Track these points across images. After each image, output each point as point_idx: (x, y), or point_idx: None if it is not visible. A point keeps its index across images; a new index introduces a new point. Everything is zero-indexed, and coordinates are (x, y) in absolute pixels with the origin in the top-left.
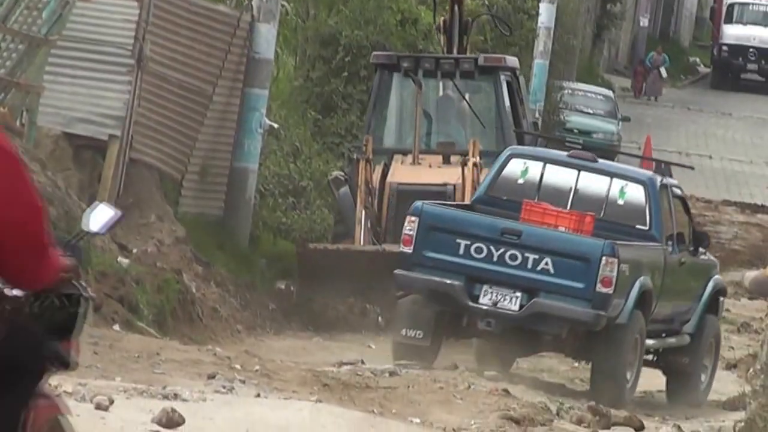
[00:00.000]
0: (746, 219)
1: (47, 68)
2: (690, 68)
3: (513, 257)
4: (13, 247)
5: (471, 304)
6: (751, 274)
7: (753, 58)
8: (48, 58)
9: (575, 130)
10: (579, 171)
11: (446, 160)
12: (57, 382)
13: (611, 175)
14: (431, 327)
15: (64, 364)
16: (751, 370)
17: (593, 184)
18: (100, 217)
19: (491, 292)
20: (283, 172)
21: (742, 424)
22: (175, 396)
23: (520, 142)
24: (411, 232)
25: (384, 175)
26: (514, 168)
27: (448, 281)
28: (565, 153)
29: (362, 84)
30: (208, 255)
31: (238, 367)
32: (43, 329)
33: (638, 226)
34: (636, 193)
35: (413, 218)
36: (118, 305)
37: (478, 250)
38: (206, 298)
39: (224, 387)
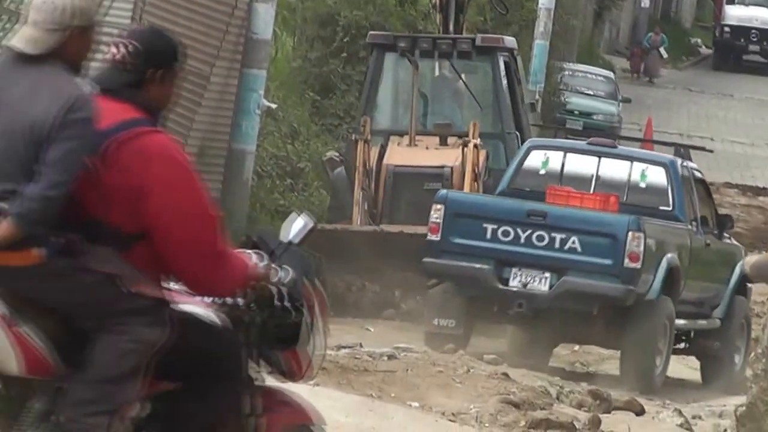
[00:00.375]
0: (748, 201)
1: None
2: (691, 49)
3: (540, 238)
4: (188, 257)
5: (501, 287)
6: (751, 259)
7: (755, 39)
8: None
9: (576, 112)
10: (599, 158)
11: (443, 142)
12: None
13: (632, 159)
14: (463, 315)
15: (282, 373)
16: (752, 354)
17: (614, 169)
18: (296, 227)
19: (520, 274)
20: (281, 154)
21: (744, 408)
22: None
23: (518, 124)
24: (437, 220)
25: (381, 156)
26: (535, 159)
27: (478, 266)
28: (585, 141)
29: (361, 65)
30: None
31: None
32: (261, 337)
33: (661, 207)
34: (657, 176)
35: (438, 206)
36: None
37: (505, 234)
38: None
39: None
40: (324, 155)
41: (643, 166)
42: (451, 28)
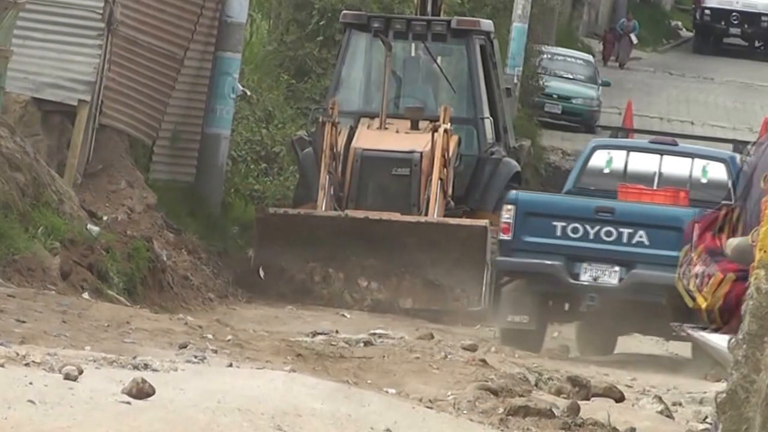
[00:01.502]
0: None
1: (15, 32)
2: (672, 32)
3: (608, 234)
4: None
5: (573, 281)
6: (733, 241)
7: (735, 22)
8: (16, 21)
9: (554, 95)
10: (661, 155)
11: (414, 126)
12: (25, 352)
13: (693, 156)
14: (536, 311)
15: None
16: (732, 340)
17: (676, 166)
18: None
19: (590, 269)
20: (256, 138)
21: (724, 394)
22: (146, 366)
23: (492, 109)
24: (509, 220)
25: (350, 138)
26: (599, 159)
27: (549, 262)
28: (647, 140)
29: (337, 48)
30: (180, 222)
31: (209, 336)
32: None
33: (724, 202)
34: (719, 171)
35: (509, 206)
36: (87, 273)
37: (575, 231)
38: (177, 266)
39: (196, 357)
40: (294, 135)
41: (704, 162)
42: (429, 8)
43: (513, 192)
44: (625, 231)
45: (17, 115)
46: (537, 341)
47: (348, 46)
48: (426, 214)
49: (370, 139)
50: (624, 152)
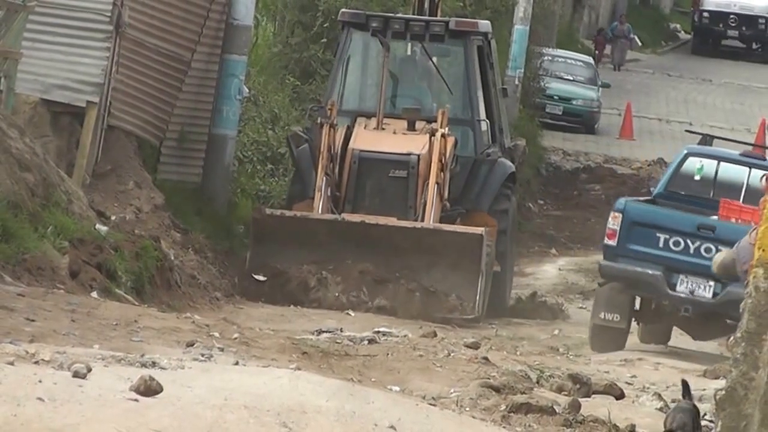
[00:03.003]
0: None
1: (25, 34)
2: (670, 34)
3: (708, 250)
4: None
5: (671, 292)
6: (718, 257)
7: (734, 24)
8: (26, 24)
9: (555, 97)
10: (750, 168)
11: (411, 127)
12: (34, 350)
13: None
14: (627, 312)
15: None
16: (731, 338)
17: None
18: None
19: (687, 281)
20: (262, 139)
21: (723, 392)
22: (154, 364)
23: (488, 111)
24: (615, 227)
25: (346, 138)
26: (691, 165)
27: (650, 271)
28: (737, 152)
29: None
30: (187, 222)
31: (216, 334)
32: None
33: None
34: None
35: (617, 214)
36: (96, 272)
37: (676, 244)
38: (184, 265)
39: (203, 355)
40: (289, 130)
41: None
42: (426, 6)
43: (622, 200)
44: (725, 249)
45: (27, 116)
46: (623, 339)
47: (346, 45)
48: (422, 218)
49: (367, 140)
50: (715, 162)
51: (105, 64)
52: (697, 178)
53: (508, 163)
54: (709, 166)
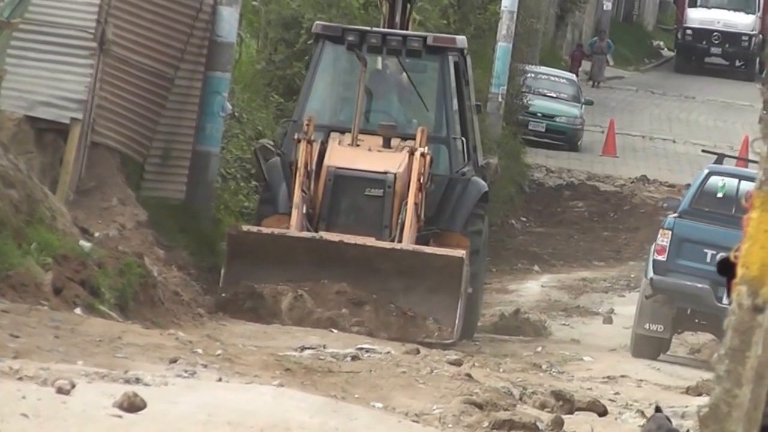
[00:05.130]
0: None
1: (9, 51)
2: (653, 52)
3: None
4: None
5: (718, 304)
6: None
7: (717, 42)
8: (10, 41)
9: (538, 114)
10: None
11: (386, 143)
12: (18, 366)
13: None
14: (670, 323)
15: None
16: (715, 355)
17: None
18: None
19: None
20: (246, 156)
21: (707, 409)
22: (137, 380)
23: (463, 128)
24: (664, 243)
25: (321, 154)
26: (713, 184)
27: (699, 285)
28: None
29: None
30: (170, 238)
31: (200, 351)
32: None
33: None
34: None
35: (666, 231)
36: (79, 289)
37: None
38: (168, 281)
39: (186, 371)
40: (257, 143)
41: None
42: (397, 19)
43: (671, 219)
44: None
45: (11, 133)
46: (665, 347)
47: (320, 59)
48: (399, 239)
49: (342, 156)
50: (736, 180)
51: (89, 80)
52: (719, 195)
53: (482, 182)
54: (730, 184)
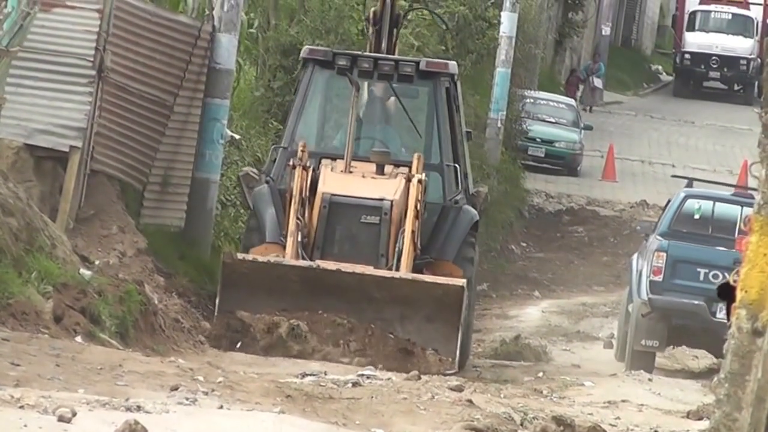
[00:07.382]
0: None
1: (8, 80)
2: (652, 76)
3: None
4: None
5: (713, 319)
6: None
7: (715, 66)
8: (9, 69)
9: (537, 139)
10: (742, 207)
11: (380, 170)
12: (19, 395)
13: None
14: (665, 338)
15: None
16: (715, 378)
17: None
18: None
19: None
20: None
21: None
22: (138, 408)
23: (454, 154)
24: (660, 264)
25: (313, 181)
26: (690, 206)
27: (695, 302)
28: (730, 193)
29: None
30: (170, 266)
31: (200, 378)
32: None
33: None
34: None
35: (661, 253)
36: (80, 317)
37: (715, 276)
38: (168, 309)
39: (187, 399)
40: (240, 170)
41: None
42: (384, 45)
43: (665, 242)
44: None
45: (10, 161)
46: (654, 363)
47: (310, 83)
48: (397, 267)
49: (337, 183)
50: (711, 202)
51: (88, 108)
52: (696, 217)
53: (473, 210)
54: (706, 206)
